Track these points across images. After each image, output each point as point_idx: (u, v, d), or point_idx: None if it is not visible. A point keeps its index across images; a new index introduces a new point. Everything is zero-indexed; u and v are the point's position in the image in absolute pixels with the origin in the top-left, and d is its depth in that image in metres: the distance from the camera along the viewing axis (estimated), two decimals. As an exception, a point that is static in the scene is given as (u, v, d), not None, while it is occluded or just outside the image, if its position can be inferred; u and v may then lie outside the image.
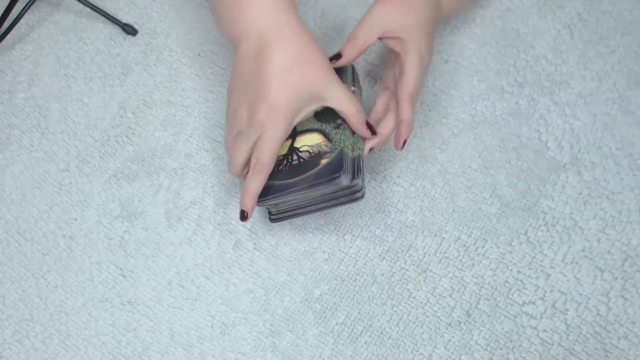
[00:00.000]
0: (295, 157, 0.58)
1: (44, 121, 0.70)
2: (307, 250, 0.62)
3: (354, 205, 0.63)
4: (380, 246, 0.61)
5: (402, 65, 0.57)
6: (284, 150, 0.59)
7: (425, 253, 0.61)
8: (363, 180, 0.56)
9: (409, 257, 0.61)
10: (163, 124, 0.68)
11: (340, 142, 0.57)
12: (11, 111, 0.70)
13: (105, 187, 0.66)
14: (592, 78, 0.67)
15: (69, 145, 0.68)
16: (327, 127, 0.58)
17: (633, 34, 0.69)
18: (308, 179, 0.56)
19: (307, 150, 0.58)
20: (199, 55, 0.72)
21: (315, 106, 0.55)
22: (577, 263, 0.59)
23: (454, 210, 0.62)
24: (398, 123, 0.58)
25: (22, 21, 0.73)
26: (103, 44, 0.73)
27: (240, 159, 0.56)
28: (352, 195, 0.57)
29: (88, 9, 0.74)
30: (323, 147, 0.57)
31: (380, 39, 0.58)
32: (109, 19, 0.73)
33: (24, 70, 0.72)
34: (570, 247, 0.60)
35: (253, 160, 0.55)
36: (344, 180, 0.54)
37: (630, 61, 0.67)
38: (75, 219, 0.65)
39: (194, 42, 0.72)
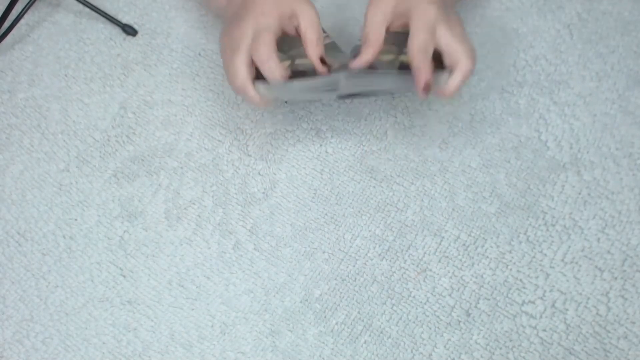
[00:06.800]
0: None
1: (44, 121, 0.70)
2: (307, 250, 0.62)
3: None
4: (380, 246, 0.62)
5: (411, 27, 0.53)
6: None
7: (424, 252, 0.61)
8: None
9: (408, 256, 0.61)
10: (164, 124, 0.69)
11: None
12: (11, 111, 0.70)
13: (105, 187, 0.66)
14: (592, 78, 0.67)
15: (69, 145, 0.68)
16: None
17: (633, 34, 0.69)
18: (390, 71, 0.59)
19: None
20: (199, 55, 0.72)
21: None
22: (576, 263, 0.59)
23: (453, 210, 0.62)
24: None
25: (22, 21, 0.73)
26: (103, 44, 0.73)
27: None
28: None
29: (88, 9, 0.74)
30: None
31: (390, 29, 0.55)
32: (109, 19, 0.73)
33: (24, 70, 0.72)
34: (569, 246, 0.60)
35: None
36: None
37: (630, 61, 0.67)
38: (75, 219, 0.65)
39: (194, 42, 0.72)
